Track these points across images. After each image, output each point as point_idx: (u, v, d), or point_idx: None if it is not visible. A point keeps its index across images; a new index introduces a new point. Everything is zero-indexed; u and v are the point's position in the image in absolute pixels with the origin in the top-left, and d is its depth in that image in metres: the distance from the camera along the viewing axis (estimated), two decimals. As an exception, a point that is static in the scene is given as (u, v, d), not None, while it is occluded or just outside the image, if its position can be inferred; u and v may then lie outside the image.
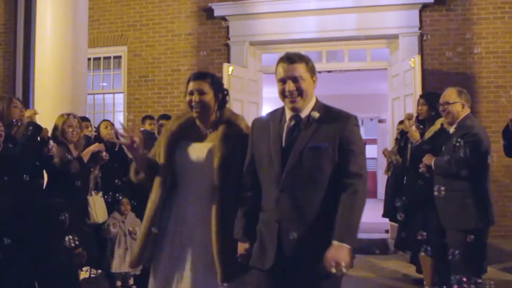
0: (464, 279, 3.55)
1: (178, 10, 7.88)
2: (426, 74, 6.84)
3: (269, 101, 7.31)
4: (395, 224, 5.46)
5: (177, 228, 2.54)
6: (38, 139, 4.20)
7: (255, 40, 7.64)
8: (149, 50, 7.96)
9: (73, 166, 4.24)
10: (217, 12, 7.62)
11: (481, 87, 6.88)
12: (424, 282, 4.56)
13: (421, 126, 4.45)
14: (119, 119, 8.05)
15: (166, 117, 5.58)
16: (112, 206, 4.70)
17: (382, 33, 7.31)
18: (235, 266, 2.43)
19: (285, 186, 2.27)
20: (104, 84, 8.60)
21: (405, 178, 4.71)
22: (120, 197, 4.61)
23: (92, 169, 4.52)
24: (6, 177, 3.68)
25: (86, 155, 4.40)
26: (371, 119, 15.34)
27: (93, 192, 4.51)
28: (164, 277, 2.53)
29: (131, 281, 4.70)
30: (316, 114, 2.31)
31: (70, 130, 4.34)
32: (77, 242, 3.87)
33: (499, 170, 6.49)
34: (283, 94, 2.34)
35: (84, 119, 5.18)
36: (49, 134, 4.36)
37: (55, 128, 4.37)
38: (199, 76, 2.67)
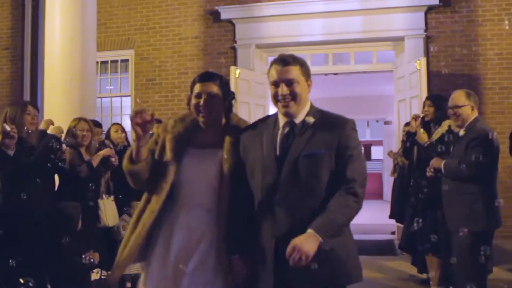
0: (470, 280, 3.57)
1: (184, 14, 7.92)
2: (431, 76, 6.85)
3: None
4: (402, 226, 5.49)
5: (182, 239, 2.30)
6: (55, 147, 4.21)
7: (262, 43, 7.68)
8: (156, 53, 8.01)
9: (82, 170, 4.29)
10: (223, 15, 7.67)
11: (486, 89, 6.89)
12: (430, 283, 4.60)
13: (422, 129, 4.48)
14: (127, 123, 8.09)
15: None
16: (122, 209, 4.76)
17: (387, 35, 7.33)
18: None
19: (281, 198, 2.13)
20: (111, 87, 8.66)
21: (411, 179, 4.76)
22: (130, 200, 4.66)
23: (103, 173, 4.57)
24: (19, 179, 3.77)
25: (95, 159, 4.43)
26: (377, 121, 15.37)
27: (104, 196, 4.54)
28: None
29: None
30: (311, 119, 2.19)
31: (81, 133, 4.41)
32: (92, 260, 3.96)
33: (504, 171, 6.49)
34: (275, 98, 2.21)
35: (97, 124, 5.20)
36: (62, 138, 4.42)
37: (67, 132, 4.44)
38: (207, 77, 2.45)
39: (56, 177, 4.38)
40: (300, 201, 2.11)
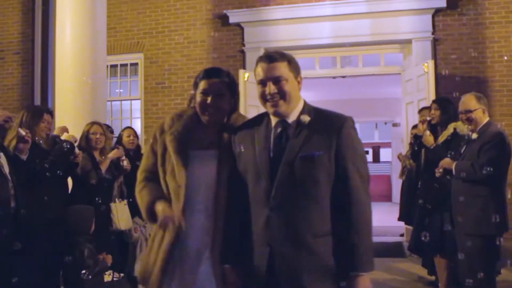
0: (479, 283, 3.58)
1: (193, 18, 7.98)
2: (439, 79, 6.85)
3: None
4: (410, 228, 5.51)
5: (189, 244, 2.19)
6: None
7: (270, 46, 7.69)
8: (165, 57, 8.07)
9: (91, 176, 4.34)
10: (232, 19, 7.72)
11: (494, 91, 6.89)
12: (439, 284, 4.62)
13: (428, 132, 4.50)
14: (137, 125, 8.16)
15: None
16: (134, 212, 4.81)
17: (395, 38, 7.36)
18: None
19: (275, 203, 1.97)
20: (121, 90, 8.74)
21: (419, 182, 4.78)
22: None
23: (117, 177, 4.62)
24: (32, 183, 3.83)
25: (104, 162, 4.47)
26: (385, 123, 15.38)
27: (116, 200, 4.57)
28: None
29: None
30: (306, 118, 2.02)
31: (95, 137, 4.46)
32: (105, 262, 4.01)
33: (511, 173, 6.49)
34: (263, 98, 2.05)
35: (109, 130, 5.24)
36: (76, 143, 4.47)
37: (82, 136, 4.51)
38: (215, 73, 2.29)
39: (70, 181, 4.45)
40: (295, 206, 1.96)
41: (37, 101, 8.35)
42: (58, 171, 3.96)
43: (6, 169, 3.48)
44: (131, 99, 8.55)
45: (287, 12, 7.53)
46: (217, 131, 2.28)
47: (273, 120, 2.08)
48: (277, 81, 2.01)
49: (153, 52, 8.16)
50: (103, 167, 4.44)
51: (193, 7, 8.00)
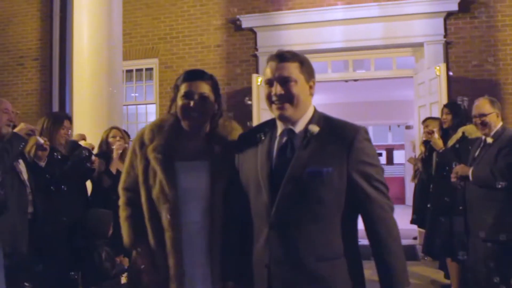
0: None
1: (207, 23, 8.09)
2: (451, 82, 6.86)
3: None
4: (423, 230, 5.54)
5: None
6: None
7: (283, 51, 7.78)
8: (180, 62, 8.17)
9: (104, 180, 4.43)
10: (244, 24, 7.81)
11: (507, 94, 6.88)
12: (451, 288, 4.65)
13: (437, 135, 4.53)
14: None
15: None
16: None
17: (407, 41, 7.37)
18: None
19: (276, 221, 1.78)
20: (136, 95, 8.86)
21: (431, 185, 4.82)
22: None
23: None
24: (50, 189, 3.96)
25: (113, 166, 4.52)
26: (398, 126, 15.36)
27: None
28: None
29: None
30: (315, 128, 1.82)
31: (114, 140, 4.56)
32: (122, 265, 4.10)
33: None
34: (269, 99, 1.87)
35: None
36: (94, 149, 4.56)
37: (102, 141, 4.62)
38: (198, 75, 2.13)
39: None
40: (298, 226, 1.78)
41: (55, 106, 8.53)
42: (76, 176, 4.08)
43: (25, 176, 3.62)
44: (147, 104, 8.66)
45: (299, 16, 7.59)
46: (205, 140, 2.14)
47: (279, 127, 1.90)
48: (285, 82, 1.83)
49: (168, 57, 8.27)
50: (113, 169, 4.50)
51: (206, 13, 8.10)
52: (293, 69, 1.84)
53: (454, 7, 7.01)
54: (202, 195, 2.04)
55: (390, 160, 17.11)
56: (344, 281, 1.80)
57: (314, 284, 1.77)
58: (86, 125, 5.53)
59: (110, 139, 4.57)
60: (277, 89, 1.84)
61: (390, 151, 17.07)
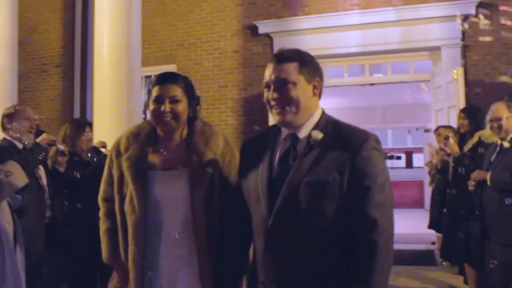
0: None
1: (224, 29, 8.17)
2: (470, 85, 6.80)
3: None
4: (441, 235, 5.52)
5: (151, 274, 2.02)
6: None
7: (299, 56, 7.81)
8: (197, 67, 8.26)
9: None
10: (261, 30, 7.87)
11: (525, 98, 6.81)
12: (469, 293, 4.62)
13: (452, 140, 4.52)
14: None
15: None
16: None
17: (424, 45, 7.33)
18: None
19: (272, 235, 1.64)
20: (155, 100, 8.97)
21: (447, 191, 4.80)
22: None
23: None
24: (70, 194, 4.06)
25: None
26: (417, 129, 15.27)
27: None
28: None
29: None
30: (318, 135, 1.65)
31: None
32: None
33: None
34: (268, 104, 1.72)
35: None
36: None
37: None
38: (168, 78, 2.05)
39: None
40: (296, 243, 1.62)
41: (77, 112, 8.72)
42: (96, 181, 4.17)
43: (44, 181, 3.73)
44: (165, 109, 8.75)
45: (315, 21, 7.62)
46: (183, 147, 2.07)
47: (284, 133, 1.75)
48: (282, 84, 1.67)
49: (185, 63, 8.36)
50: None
51: (223, 19, 8.19)
52: (291, 70, 1.68)
53: (472, 10, 6.97)
54: (180, 205, 1.98)
55: (409, 164, 16.98)
56: None
57: None
58: (106, 131, 5.62)
59: None
60: (273, 93, 1.69)
61: (409, 154, 16.97)
